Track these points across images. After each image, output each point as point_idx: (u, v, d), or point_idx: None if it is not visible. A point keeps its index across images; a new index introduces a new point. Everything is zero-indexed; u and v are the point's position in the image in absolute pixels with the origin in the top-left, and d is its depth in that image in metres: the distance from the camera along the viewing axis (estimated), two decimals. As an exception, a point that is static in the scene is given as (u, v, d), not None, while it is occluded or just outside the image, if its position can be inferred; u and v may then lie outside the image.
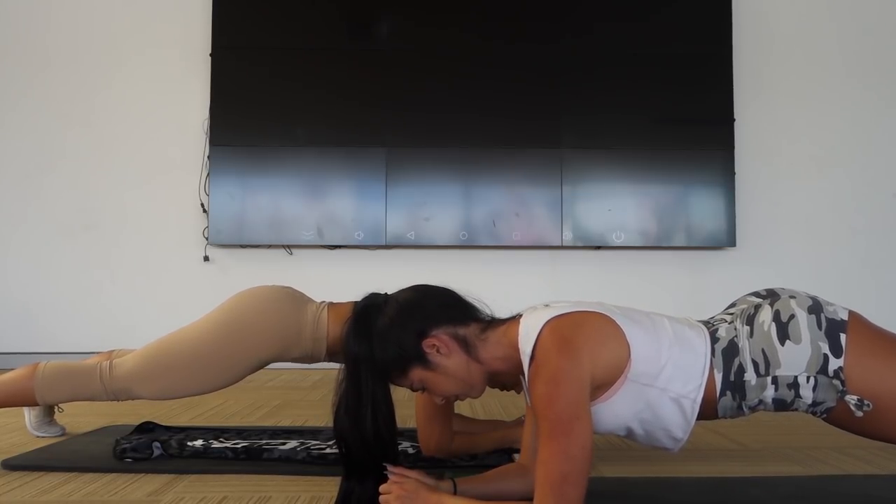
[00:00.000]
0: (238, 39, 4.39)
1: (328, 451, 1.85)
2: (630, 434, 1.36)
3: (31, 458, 1.82)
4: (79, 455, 1.86)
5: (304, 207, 4.31)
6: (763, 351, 1.27)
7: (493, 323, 1.39)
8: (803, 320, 1.26)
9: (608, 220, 4.31)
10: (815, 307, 1.29)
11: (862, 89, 4.55)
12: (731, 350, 1.29)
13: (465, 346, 1.36)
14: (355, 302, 1.60)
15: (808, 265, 4.42)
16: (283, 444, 1.93)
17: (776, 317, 1.28)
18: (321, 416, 2.55)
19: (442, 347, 1.35)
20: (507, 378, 1.53)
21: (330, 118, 4.35)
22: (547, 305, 1.35)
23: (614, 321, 1.29)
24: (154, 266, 4.39)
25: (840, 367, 1.23)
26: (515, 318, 1.36)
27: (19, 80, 4.44)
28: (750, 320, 1.30)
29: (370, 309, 1.43)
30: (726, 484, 1.62)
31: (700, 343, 1.31)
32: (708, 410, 1.31)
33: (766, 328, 1.28)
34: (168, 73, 4.46)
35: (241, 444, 1.92)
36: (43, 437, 2.12)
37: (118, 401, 1.85)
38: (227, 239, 4.29)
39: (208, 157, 4.33)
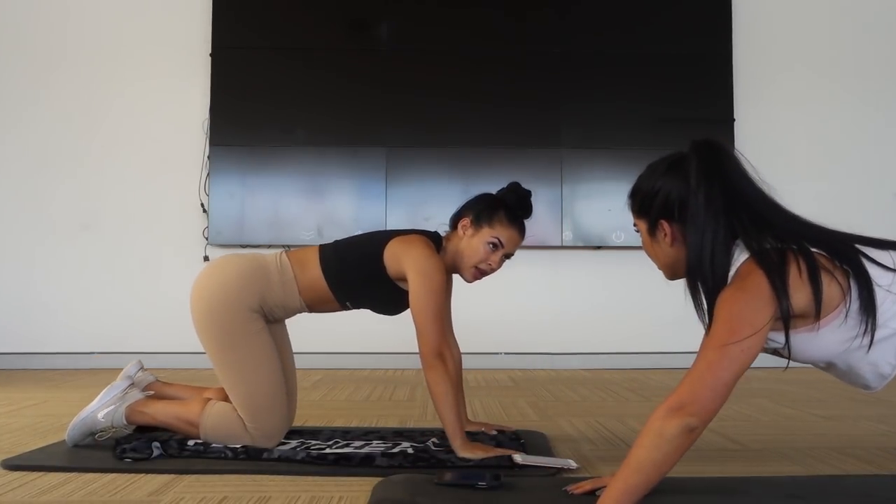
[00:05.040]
0: (238, 39, 4.39)
1: (328, 451, 1.85)
2: (829, 368, 1.39)
3: (31, 458, 1.82)
4: (79, 455, 1.86)
5: (304, 207, 4.31)
6: None
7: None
8: None
9: (608, 220, 4.31)
10: None
11: (862, 89, 4.55)
12: None
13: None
14: (321, 246, 2.00)
15: (808, 265, 4.41)
16: (283, 444, 1.93)
17: None
18: (321, 416, 2.55)
19: (668, 236, 1.39)
20: None
21: (330, 118, 4.35)
22: None
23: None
24: (154, 266, 4.39)
25: None
26: None
27: (20, 80, 4.44)
28: None
29: (720, 156, 1.39)
30: (726, 484, 1.62)
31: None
32: None
33: None
34: (168, 72, 4.46)
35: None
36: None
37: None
38: (227, 239, 4.29)
39: (208, 156, 4.33)
